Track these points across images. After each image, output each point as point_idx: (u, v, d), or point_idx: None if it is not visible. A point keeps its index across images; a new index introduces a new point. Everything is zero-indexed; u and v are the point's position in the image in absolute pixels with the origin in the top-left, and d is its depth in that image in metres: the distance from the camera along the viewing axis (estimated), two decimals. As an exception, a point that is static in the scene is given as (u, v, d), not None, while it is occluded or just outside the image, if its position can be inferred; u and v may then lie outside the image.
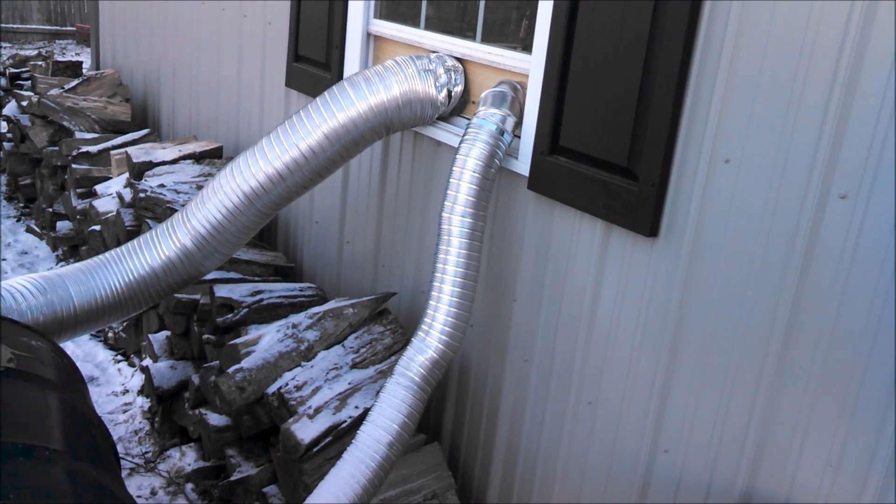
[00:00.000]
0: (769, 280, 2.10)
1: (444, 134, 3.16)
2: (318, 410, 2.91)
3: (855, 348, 1.93)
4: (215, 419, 3.34)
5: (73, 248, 5.82)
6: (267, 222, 3.18)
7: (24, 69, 8.10)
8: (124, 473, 3.50)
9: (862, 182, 1.89)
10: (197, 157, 4.98)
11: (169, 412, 3.85)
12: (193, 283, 3.26)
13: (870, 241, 1.88)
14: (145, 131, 5.89)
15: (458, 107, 3.20)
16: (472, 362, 3.16)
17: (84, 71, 7.46)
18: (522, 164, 2.81)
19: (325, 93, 3.01)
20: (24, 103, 6.74)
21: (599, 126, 2.48)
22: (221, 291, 3.56)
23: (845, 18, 1.89)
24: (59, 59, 7.86)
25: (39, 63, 7.65)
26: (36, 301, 2.81)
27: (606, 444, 2.61)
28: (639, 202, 2.37)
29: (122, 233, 4.41)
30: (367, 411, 2.77)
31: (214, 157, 5.05)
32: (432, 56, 3.11)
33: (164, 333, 4.01)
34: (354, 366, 3.15)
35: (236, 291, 3.58)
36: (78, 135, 5.93)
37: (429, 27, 3.41)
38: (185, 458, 3.66)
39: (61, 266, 4.65)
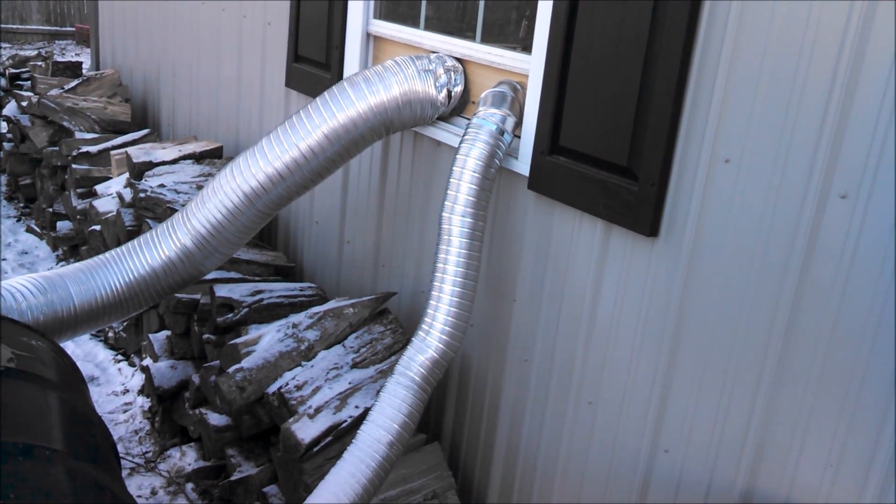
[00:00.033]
0: (769, 280, 2.10)
1: (444, 134, 3.16)
2: (318, 410, 2.91)
3: (855, 348, 1.93)
4: (215, 419, 3.34)
5: (73, 248, 5.82)
6: (267, 222, 3.19)
7: (23, 69, 8.11)
8: (124, 473, 3.50)
9: (862, 182, 1.89)
10: (197, 157, 4.98)
11: (169, 412, 3.85)
12: (194, 283, 3.26)
13: (870, 241, 1.88)
14: (145, 131, 5.89)
15: (458, 107, 3.20)
16: (472, 362, 3.16)
17: (84, 71, 7.47)
18: (522, 164, 2.81)
19: (325, 93, 3.01)
20: (24, 103, 6.74)
21: (599, 126, 2.48)
22: (222, 291, 3.56)
23: (845, 18, 1.89)
24: (59, 59, 7.86)
25: (39, 63, 7.66)
26: (36, 301, 2.81)
27: (606, 443, 2.61)
28: (639, 202, 2.37)
29: (122, 233, 4.41)
30: (367, 411, 2.77)
31: (214, 157, 5.05)
32: (432, 56, 3.11)
33: (165, 333, 4.01)
34: (355, 365, 3.15)
35: (236, 291, 3.58)
36: (78, 135, 5.93)
37: (428, 27, 3.41)
38: (186, 458, 3.66)
39: (61, 266, 4.64)
